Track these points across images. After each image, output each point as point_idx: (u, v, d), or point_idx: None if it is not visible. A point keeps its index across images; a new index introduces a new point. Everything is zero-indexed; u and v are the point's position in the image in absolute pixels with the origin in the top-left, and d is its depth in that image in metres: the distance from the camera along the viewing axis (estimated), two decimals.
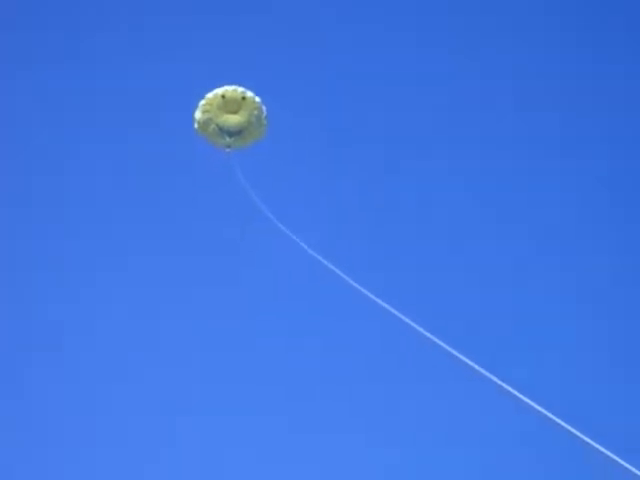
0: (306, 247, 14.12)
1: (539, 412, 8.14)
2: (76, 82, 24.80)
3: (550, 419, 8.04)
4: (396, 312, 11.12)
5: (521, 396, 8.45)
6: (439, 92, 25.47)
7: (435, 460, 21.71)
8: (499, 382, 8.77)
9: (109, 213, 24.26)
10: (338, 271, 12.97)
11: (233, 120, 16.34)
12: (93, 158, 24.57)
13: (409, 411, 22.21)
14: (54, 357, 23.01)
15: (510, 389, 8.59)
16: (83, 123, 24.66)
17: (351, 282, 12.53)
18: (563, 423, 7.98)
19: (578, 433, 7.87)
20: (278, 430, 22.07)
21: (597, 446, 7.73)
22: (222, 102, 16.28)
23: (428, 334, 10.12)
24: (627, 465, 7.45)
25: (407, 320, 10.74)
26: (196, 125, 16.58)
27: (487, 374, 8.95)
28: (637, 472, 7.34)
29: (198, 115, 16.48)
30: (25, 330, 23.40)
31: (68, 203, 24.38)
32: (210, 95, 16.40)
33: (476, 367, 9.10)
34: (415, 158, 25.15)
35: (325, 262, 13.43)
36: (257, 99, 16.42)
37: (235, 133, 16.40)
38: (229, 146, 16.38)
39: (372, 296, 11.93)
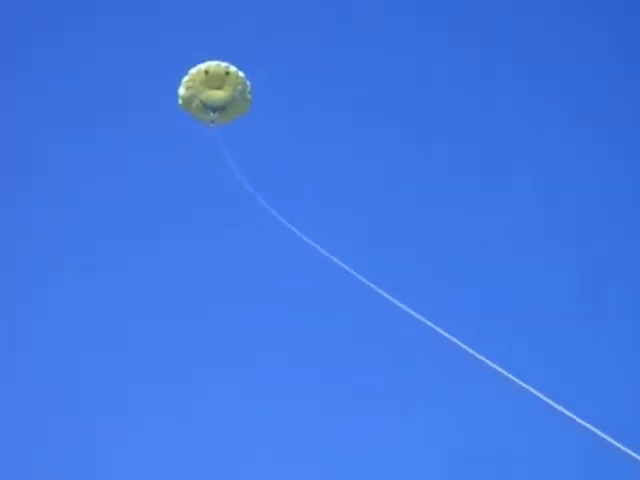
0: (290, 226, 13.99)
1: (546, 404, 8.00)
2: (76, 82, 24.97)
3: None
4: (395, 300, 10.91)
5: (526, 386, 8.30)
6: (439, 92, 25.55)
7: (440, 459, 21.53)
8: (507, 373, 8.61)
9: (109, 213, 24.35)
10: (334, 257, 12.81)
11: (216, 95, 16.33)
12: (93, 158, 24.70)
13: (411, 409, 22.10)
14: (55, 357, 23.02)
15: (517, 380, 8.45)
16: (83, 123, 24.81)
17: (350, 270, 12.36)
18: (571, 413, 7.83)
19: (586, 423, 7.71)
20: (278, 429, 21.98)
21: (587, 425, 7.59)
22: (205, 78, 16.28)
23: (441, 330, 9.86)
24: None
25: (410, 311, 10.51)
26: (180, 101, 16.61)
27: (493, 365, 8.79)
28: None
29: (182, 91, 16.51)
30: (25, 330, 23.43)
31: (68, 203, 24.48)
32: (193, 71, 16.41)
33: (481, 358, 8.94)
34: (416, 151, 25.24)
35: (315, 245, 13.29)
36: (241, 74, 16.38)
37: (219, 108, 16.40)
38: (213, 122, 16.39)
39: (369, 282, 11.76)
